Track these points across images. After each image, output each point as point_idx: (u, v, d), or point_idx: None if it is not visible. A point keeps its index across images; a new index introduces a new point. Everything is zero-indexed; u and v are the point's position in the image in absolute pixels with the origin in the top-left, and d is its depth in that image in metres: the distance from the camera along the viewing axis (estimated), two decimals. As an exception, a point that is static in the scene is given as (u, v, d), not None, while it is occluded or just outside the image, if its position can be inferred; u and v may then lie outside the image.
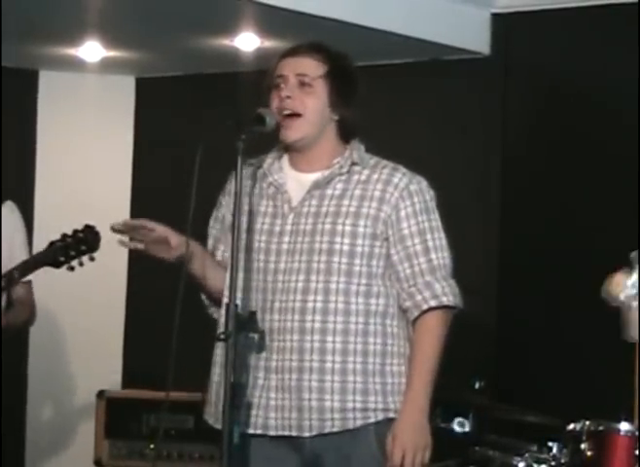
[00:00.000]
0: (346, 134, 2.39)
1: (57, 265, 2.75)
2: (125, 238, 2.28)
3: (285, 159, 2.41)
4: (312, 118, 2.30)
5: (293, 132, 2.30)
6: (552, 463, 2.72)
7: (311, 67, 2.30)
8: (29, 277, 3.04)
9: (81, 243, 2.70)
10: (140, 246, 2.27)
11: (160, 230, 2.25)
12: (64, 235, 2.73)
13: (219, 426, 2.22)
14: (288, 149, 2.39)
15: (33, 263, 2.84)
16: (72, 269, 2.74)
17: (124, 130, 4.99)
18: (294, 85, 2.28)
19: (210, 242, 2.44)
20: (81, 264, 2.74)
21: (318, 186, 2.34)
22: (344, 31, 4.04)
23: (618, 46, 4.40)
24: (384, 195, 2.30)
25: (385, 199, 2.30)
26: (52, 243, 2.75)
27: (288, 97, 2.27)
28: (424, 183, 2.35)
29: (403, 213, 2.29)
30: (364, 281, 2.26)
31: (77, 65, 4.57)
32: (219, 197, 2.47)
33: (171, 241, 2.24)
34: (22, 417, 4.46)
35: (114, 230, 2.24)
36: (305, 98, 2.28)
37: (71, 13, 3.71)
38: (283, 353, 2.24)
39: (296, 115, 2.28)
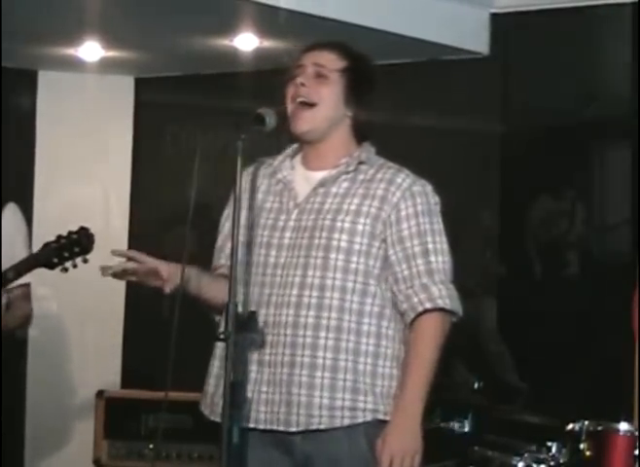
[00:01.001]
0: (359, 134, 2.38)
1: (51, 266, 2.74)
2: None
3: (298, 157, 2.40)
4: (325, 109, 2.28)
5: (304, 123, 2.29)
6: (552, 463, 2.72)
7: (329, 60, 2.30)
8: (27, 280, 3.04)
9: (74, 245, 2.70)
10: (133, 278, 2.27)
11: (150, 262, 2.23)
12: (59, 237, 2.72)
13: (214, 418, 2.24)
14: (302, 146, 2.38)
15: (27, 264, 2.82)
16: (65, 270, 2.73)
17: (123, 130, 4.99)
18: (310, 74, 2.28)
19: (218, 241, 2.43)
20: (74, 265, 2.73)
21: (324, 184, 2.35)
22: (344, 31, 4.04)
23: (617, 45, 4.40)
24: (386, 194, 2.29)
25: (387, 199, 2.29)
26: (46, 244, 2.74)
27: (303, 85, 2.26)
28: (429, 187, 2.33)
29: (403, 213, 2.28)
30: (360, 279, 2.25)
31: (76, 65, 4.57)
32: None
33: (162, 273, 2.21)
34: (22, 417, 4.45)
35: (104, 271, 2.23)
36: (320, 88, 2.27)
37: (70, 13, 3.71)
38: (276, 347, 2.23)
39: (309, 104, 2.27)
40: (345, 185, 2.36)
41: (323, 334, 2.21)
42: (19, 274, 2.84)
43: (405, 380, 2.21)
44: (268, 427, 2.20)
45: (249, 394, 2.22)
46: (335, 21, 3.91)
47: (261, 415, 2.21)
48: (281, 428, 2.19)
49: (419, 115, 6.82)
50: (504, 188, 5.62)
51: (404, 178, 2.31)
